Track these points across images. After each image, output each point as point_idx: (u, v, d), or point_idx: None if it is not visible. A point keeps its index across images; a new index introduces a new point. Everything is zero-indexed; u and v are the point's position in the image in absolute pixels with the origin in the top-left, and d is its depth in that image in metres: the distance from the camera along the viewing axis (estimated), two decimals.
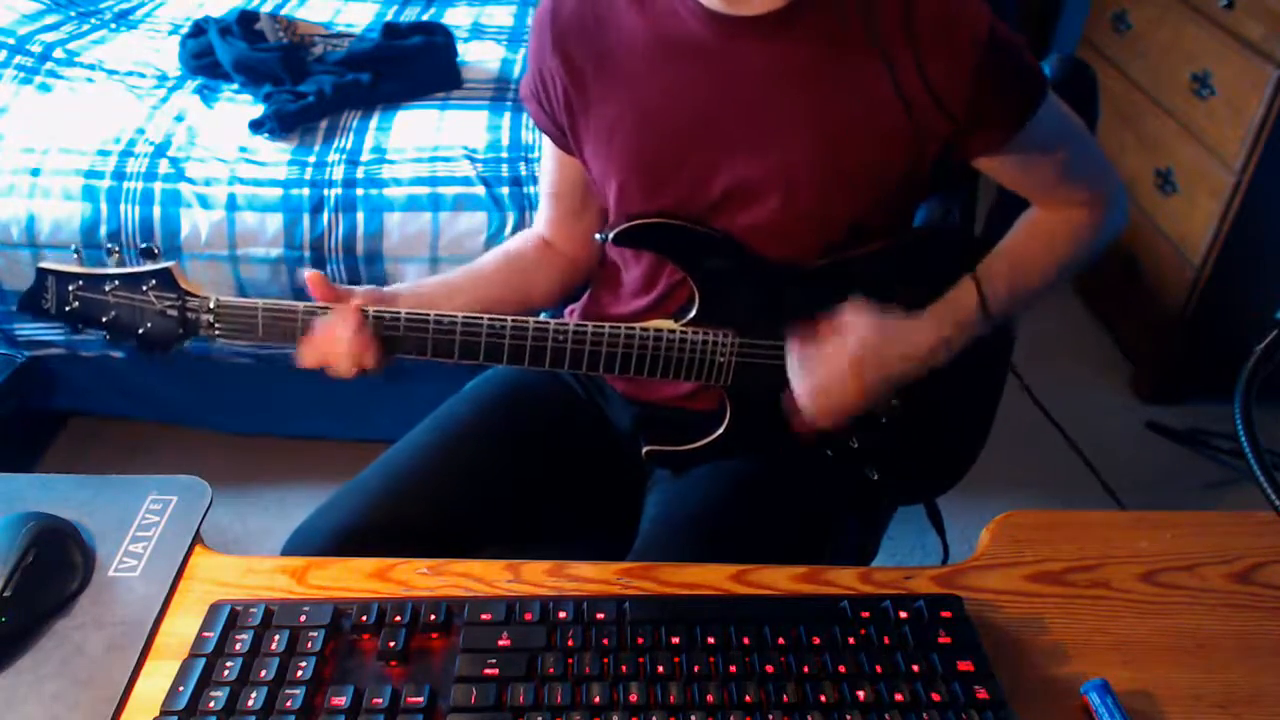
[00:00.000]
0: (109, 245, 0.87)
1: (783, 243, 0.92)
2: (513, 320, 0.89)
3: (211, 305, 0.87)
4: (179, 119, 1.93)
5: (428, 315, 0.87)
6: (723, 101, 0.88)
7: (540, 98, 0.97)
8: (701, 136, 0.90)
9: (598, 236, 0.92)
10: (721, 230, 0.92)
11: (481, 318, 0.88)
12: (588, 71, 0.92)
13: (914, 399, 0.98)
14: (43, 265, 0.86)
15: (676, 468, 1.02)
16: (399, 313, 0.87)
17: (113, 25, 2.42)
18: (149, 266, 0.86)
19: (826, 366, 0.89)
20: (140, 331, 0.87)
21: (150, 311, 0.86)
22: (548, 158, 1.04)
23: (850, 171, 0.89)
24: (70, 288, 0.86)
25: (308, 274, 0.88)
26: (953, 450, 1.08)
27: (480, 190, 1.75)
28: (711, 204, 0.92)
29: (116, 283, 0.86)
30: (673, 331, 0.91)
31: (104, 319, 0.87)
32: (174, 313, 0.86)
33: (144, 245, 0.88)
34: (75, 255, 0.87)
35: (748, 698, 0.65)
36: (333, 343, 0.86)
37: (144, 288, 0.86)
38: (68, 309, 0.86)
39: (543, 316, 0.94)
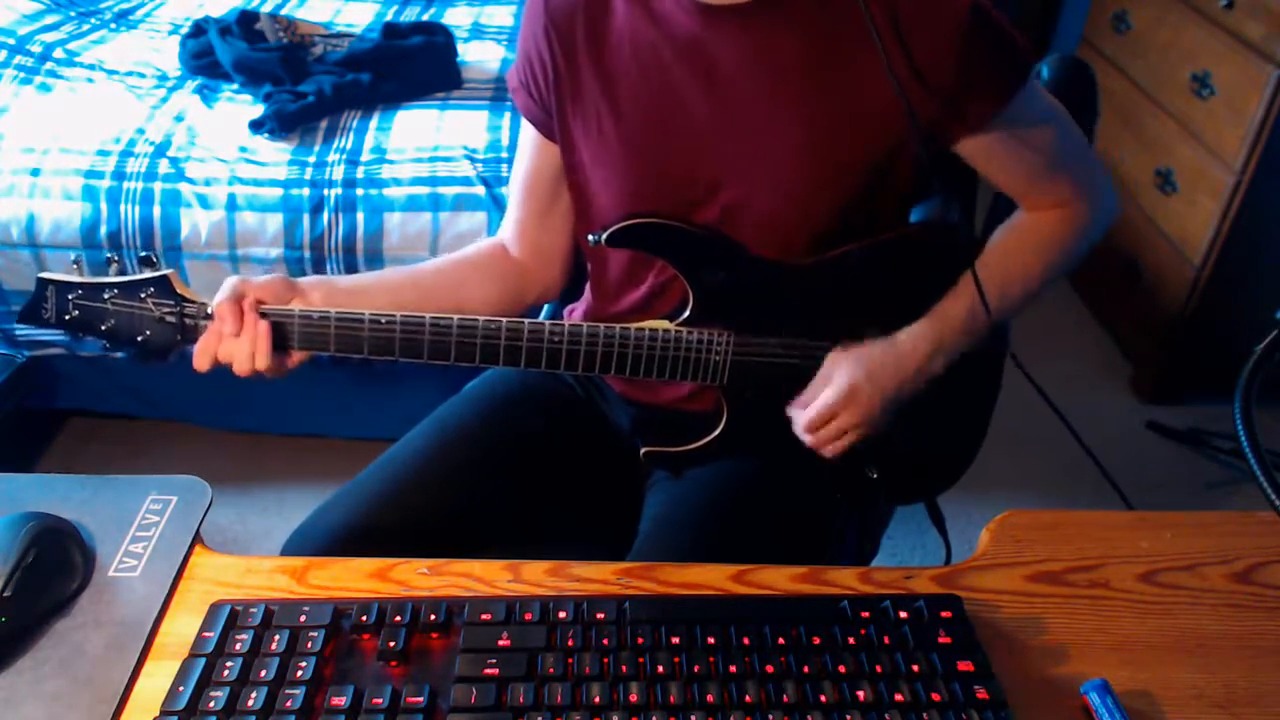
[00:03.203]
0: (109, 254, 0.88)
1: (771, 237, 0.92)
2: (508, 322, 0.88)
3: (209, 311, 0.87)
4: (179, 119, 1.93)
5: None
6: (710, 93, 0.88)
7: (529, 84, 0.96)
8: (689, 129, 0.89)
9: (590, 238, 0.91)
10: (713, 228, 0.92)
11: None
12: (579, 57, 0.92)
13: (911, 399, 0.98)
14: (42, 275, 0.86)
15: (675, 468, 1.02)
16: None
17: (113, 25, 2.42)
18: (147, 274, 0.86)
19: (819, 404, 0.91)
20: (139, 339, 0.87)
21: (149, 319, 0.87)
22: (526, 149, 1.02)
23: (839, 161, 0.89)
24: (70, 297, 0.86)
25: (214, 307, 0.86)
26: (951, 449, 1.08)
27: (480, 190, 1.75)
28: (699, 197, 0.92)
29: (115, 291, 0.86)
30: (668, 331, 0.91)
31: (103, 327, 0.87)
32: (172, 319, 0.87)
33: (143, 253, 0.88)
34: (75, 264, 0.87)
35: (748, 698, 0.65)
36: (213, 341, 0.86)
37: (142, 295, 0.86)
38: (67, 318, 0.86)
39: (543, 316, 0.94)
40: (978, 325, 0.94)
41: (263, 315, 0.86)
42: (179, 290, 0.86)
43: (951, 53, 0.83)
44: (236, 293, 0.87)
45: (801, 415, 0.92)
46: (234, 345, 0.86)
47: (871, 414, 0.92)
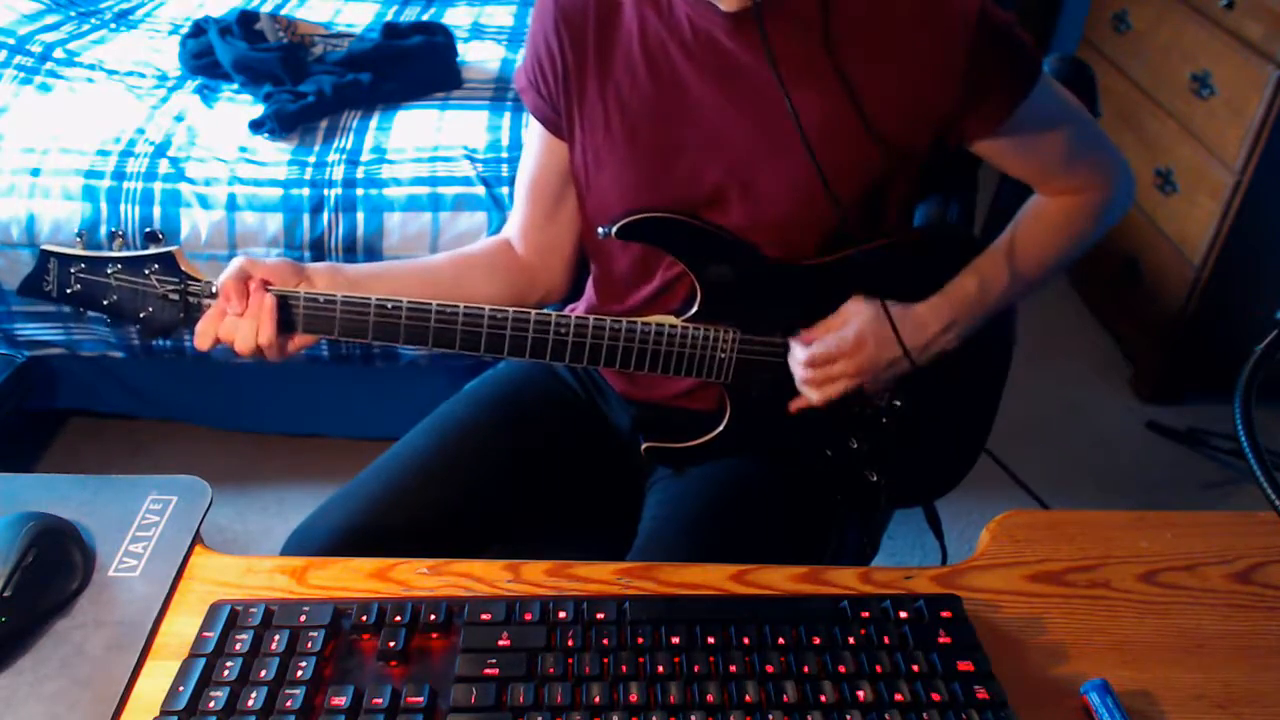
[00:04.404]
0: (114, 229, 0.87)
1: (778, 238, 0.92)
2: (514, 311, 0.88)
3: (214, 290, 0.86)
4: (179, 119, 1.94)
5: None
6: (720, 93, 0.88)
7: (538, 82, 0.96)
8: (698, 128, 0.90)
9: (600, 231, 0.91)
10: (722, 226, 0.92)
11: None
12: (588, 55, 0.92)
13: (915, 401, 0.98)
14: (45, 247, 0.85)
15: (676, 465, 1.02)
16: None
17: (113, 25, 2.42)
18: (152, 250, 0.85)
19: (827, 341, 0.90)
20: (142, 315, 0.86)
21: (152, 295, 0.86)
22: (533, 148, 1.02)
23: (843, 164, 0.89)
24: (72, 270, 0.85)
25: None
26: (951, 454, 1.08)
27: (480, 190, 1.75)
28: (705, 198, 0.92)
29: (119, 265, 0.85)
30: (674, 327, 0.91)
31: (105, 302, 0.86)
32: (175, 297, 0.86)
33: (148, 229, 0.87)
34: (79, 238, 0.86)
35: (748, 698, 0.65)
36: (223, 316, 0.85)
37: (146, 271, 0.85)
38: (69, 291, 0.85)
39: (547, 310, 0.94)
40: (988, 305, 0.95)
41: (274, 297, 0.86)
42: (184, 267, 0.86)
43: (961, 57, 0.84)
44: (243, 272, 0.86)
45: (803, 350, 0.91)
46: (237, 322, 0.85)
47: (870, 369, 0.91)
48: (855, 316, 0.91)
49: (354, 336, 0.87)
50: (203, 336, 0.86)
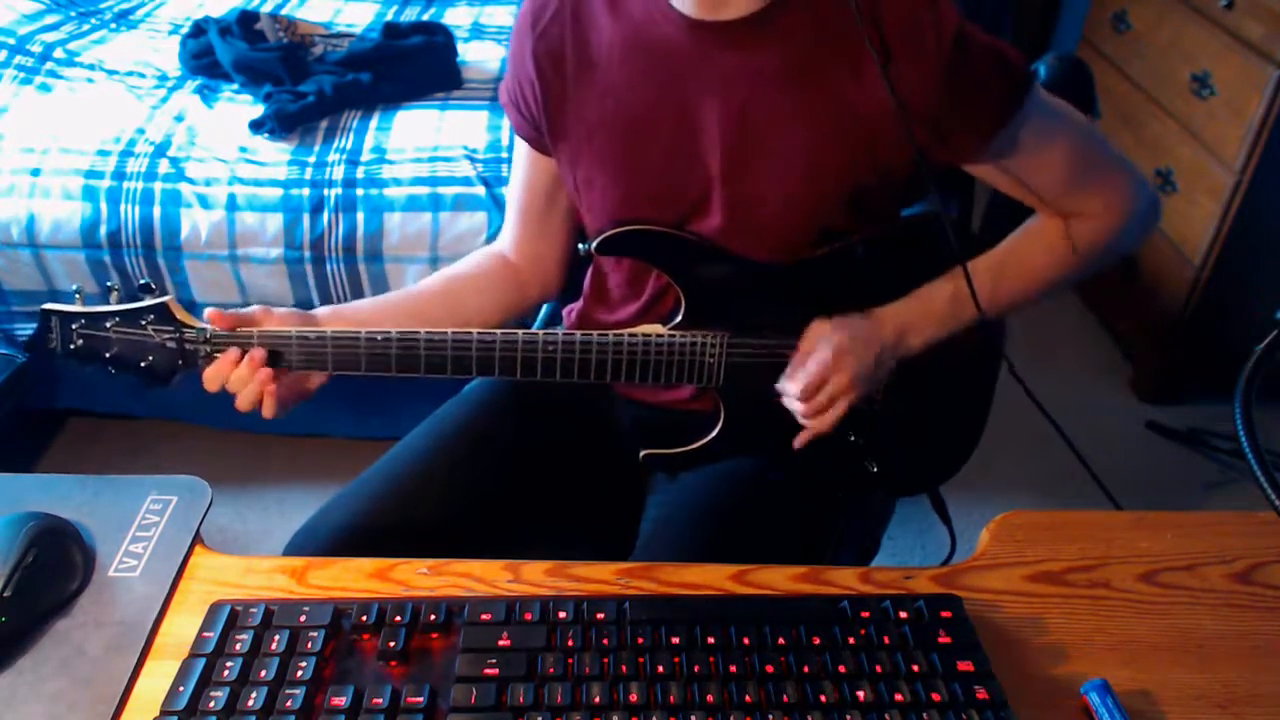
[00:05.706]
0: (109, 284, 0.90)
1: (762, 244, 0.92)
2: (502, 333, 0.89)
3: (208, 335, 0.88)
4: (179, 119, 1.93)
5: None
6: (699, 107, 0.88)
7: (519, 101, 0.97)
8: (679, 141, 0.89)
9: (581, 247, 0.92)
10: (700, 234, 0.92)
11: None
12: (567, 75, 0.92)
13: (905, 386, 0.98)
14: (45, 307, 0.88)
15: (673, 471, 1.02)
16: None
17: (113, 25, 2.42)
18: (146, 302, 0.88)
19: (809, 369, 0.89)
20: (142, 365, 0.89)
21: (150, 345, 0.88)
22: (520, 162, 1.03)
23: (828, 175, 0.88)
24: (73, 327, 0.88)
25: (208, 313, 0.89)
26: (951, 435, 1.08)
27: (480, 190, 1.75)
28: (690, 207, 0.92)
29: (117, 319, 0.88)
30: (660, 336, 0.92)
31: (107, 355, 0.89)
32: (172, 345, 0.88)
33: (143, 281, 0.91)
34: (77, 296, 0.89)
35: (748, 698, 0.65)
36: (226, 369, 0.88)
37: (143, 322, 0.88)
38: (72, 347, 0.88)
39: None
40: (961, 315, 0.94)
41: (259, 344, 0.88)
42: (177, 316, 0.88)
43: (937, 82, 0.82)
44: (248, 317, 0.89)
45: (794, 385, 0.90)
46: (245, 380, 0.88)
47: (865, 376, 0.90)
48: (823, 336, 0.90)
49: (348, 370, 0.90)
50: (211, 381, 0.89)
